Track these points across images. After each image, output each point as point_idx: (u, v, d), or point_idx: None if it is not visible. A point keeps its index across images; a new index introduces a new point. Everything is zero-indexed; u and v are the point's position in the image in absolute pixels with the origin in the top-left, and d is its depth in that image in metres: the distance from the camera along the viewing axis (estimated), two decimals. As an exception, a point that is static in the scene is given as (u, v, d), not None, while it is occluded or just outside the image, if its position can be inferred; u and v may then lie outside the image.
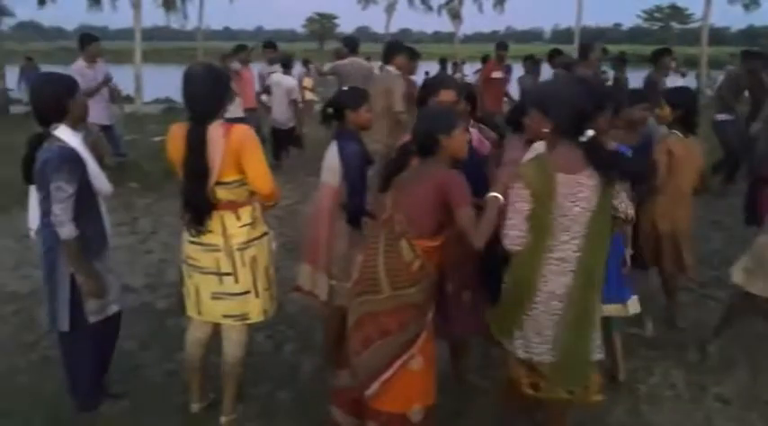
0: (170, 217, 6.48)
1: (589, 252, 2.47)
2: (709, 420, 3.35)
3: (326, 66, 8.23)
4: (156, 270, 5.29)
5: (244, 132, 2.84)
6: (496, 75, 9.56)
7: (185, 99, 2.86)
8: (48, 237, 2.98)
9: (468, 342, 3.53)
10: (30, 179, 2.98)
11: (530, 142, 2.91)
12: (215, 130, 2.78)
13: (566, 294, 2.50)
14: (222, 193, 2.85)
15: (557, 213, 2.41)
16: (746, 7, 31.99)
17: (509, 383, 2.79)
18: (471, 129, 3.37)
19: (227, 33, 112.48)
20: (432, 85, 3.23)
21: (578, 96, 2.47)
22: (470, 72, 17.21)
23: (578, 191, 2.42)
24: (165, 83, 19.99)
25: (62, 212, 2.83)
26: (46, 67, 13.20)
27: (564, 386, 2.62)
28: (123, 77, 9.98)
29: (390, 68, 5.84)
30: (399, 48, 6.08)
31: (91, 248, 3.01)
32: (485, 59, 12.69)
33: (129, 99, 12.69)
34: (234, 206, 2.90)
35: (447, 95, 3.13)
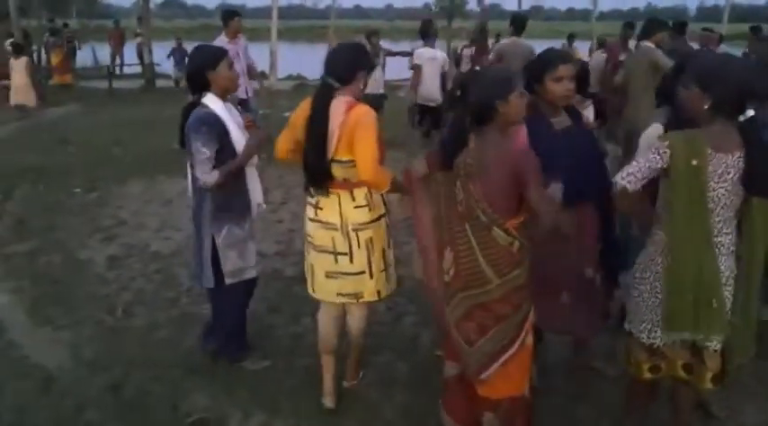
0: (299, 189, 6.71)
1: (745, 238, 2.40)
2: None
3: (491, 56, 7.96)
4: (287, 238, 5.53)
5: (365, 112, 2.82)
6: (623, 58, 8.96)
7: (324, 65, 2.91)
8: (195, 198, 3.23)
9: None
10: (184, 144, 3.19)
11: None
12: (339, 104, 2.82)
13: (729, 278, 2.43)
14: (338, 171, 2.87)
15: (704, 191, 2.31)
16: None
17: (635, 370, 2.69)
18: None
19: (357, 11, 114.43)
20: (549, 60, 3.06)
21: (744, 74, 2.34)
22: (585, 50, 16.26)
23: (726, 172, 2.30)
24: (297, 60, 20.72)
25: (202, 174, 3.04)
26: (189, 44, 14.03)
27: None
28: (259, 54, 10.38)
29: (648, 44, 5.79)
30: (661, 25, 6.05)
31: (233, 212, 3.22)
32: (602, 44, 12.03)
33: (264, 75, 13.19)
34: (349, 186, 2.92)
35: (566, 71, 2.98)
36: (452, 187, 2.56)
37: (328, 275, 3.02)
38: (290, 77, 19.12)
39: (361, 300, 3.05)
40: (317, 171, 2.88)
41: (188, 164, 3.25)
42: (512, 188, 2.42)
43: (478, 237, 2.49)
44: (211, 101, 3.14)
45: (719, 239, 2.39)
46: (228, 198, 3.19)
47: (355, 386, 3.29)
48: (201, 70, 3.14)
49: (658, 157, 2.36)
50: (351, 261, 2.96)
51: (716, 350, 2.51)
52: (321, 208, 2.96)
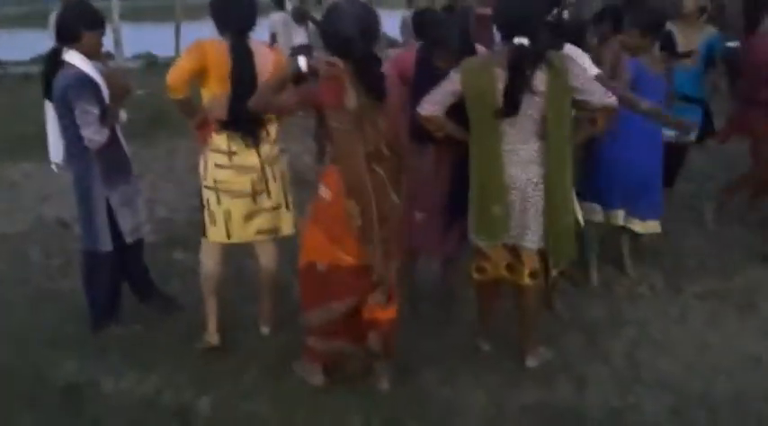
0: (156, 162, 6.62)
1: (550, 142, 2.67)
2: (684, 314, 3.53)
3: None
4: (146, 208, 5.35)
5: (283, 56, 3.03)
6: None
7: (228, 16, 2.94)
8: (76, 166, 3.17)
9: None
10: (49, 94, 3.11)
11: None
12: (263, 51, 2.98)
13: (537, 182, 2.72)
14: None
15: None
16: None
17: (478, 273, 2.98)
18: None
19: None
20: None
21: None
22: None
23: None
24: (144, 39, 19.73)
25: (93, 133, 3.00)
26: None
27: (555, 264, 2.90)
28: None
29: None
30: None
31: (121, 170, 3.25)
32: None
33: (109, 55, 12.49)
34: (267, 123, 3.03)
35: None
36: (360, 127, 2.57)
37: (247, 217, 3.08)
38: (138, 57, 18.26)
39: (280, 234, 3.19)
40: (252, 118, 2.88)
41: (55, 134, 3.21)
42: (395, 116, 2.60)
43: (386, 170, 2.61)
44: (78, 60, 3.06)
45: (514, 148, 2.68)
46: (114, 156, 3.21)
47: (274, 331, 3.35)
48: (79, 24, 3.07)
49: (451, 83, 2.68)
50: (269, 196, 3.08)
51: (532, 251, 2.81)
52: (236, 153, 2.99)
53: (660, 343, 3.27)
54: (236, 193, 3.03)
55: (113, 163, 3.20)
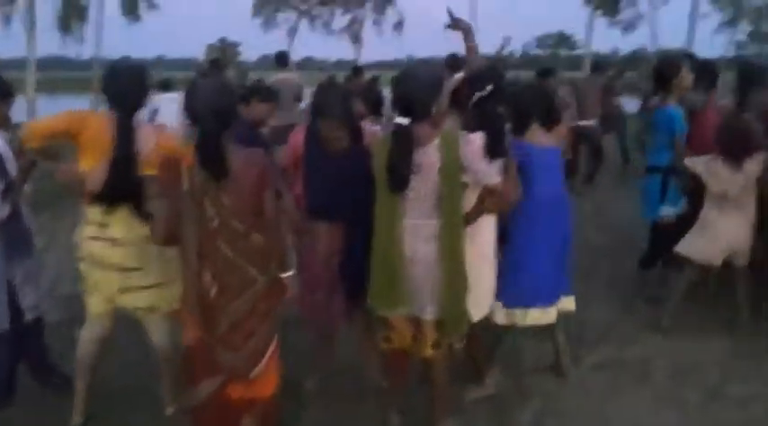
0: (63, 234, 6.38)
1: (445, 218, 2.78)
2: (584, 384, 3.69)
3: None
4: (51, 284, 5.16)
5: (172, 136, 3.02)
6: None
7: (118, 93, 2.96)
8: None
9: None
10: None
11: None
12: (146, 129, 2.99)
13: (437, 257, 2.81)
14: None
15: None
16: (625, 30, 34.47)
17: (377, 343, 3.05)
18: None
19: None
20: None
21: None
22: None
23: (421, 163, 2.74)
24: (58, 111, 19.35)
25: None
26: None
27: (446, 338, 2.94)
28: (16, 107, 9.58)
29: None
30: None
31: (24, 246, 3.15)
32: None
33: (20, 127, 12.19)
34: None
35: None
36: (200, 205, 2.59)
37: (122, 291, 2.98)
38: (51, 129, 17.81)
39: (158, 312, 3.07)
40: (128, 189, 2.85)
41: None
42: (257, 193, 2.61)
43: (237, 247, 2.60)
44: None
45: (416, 223, 2.79)
46: (16, 230, 3.10)
47: (179, 412, 3.18)
48: None
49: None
50: (145, 273, 2.97)
51: (432, 322, 2.88)
52: (107, 225, 2.92)
53: (564, 414, 3.39)
54: (109, 266, 2.95)
55: (15, 238, 3.11)
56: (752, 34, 39.50)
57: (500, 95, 3.14)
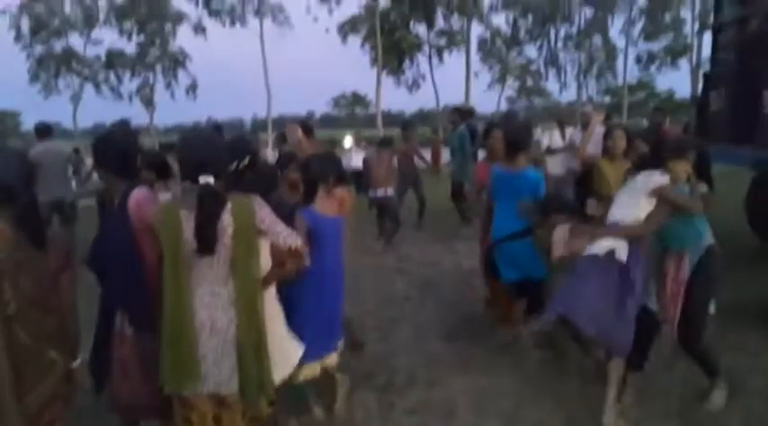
0: None
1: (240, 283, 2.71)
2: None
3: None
4: None
5: None
6: None
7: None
8: None
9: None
10: None
11: None
12: None
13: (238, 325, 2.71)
14: None
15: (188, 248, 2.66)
16: (410, 89, 37.24)
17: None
18: None
19: None
20: None
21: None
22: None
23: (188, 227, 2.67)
24: None
25: None
26: None
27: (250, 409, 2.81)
28: None
29: None
30: None
31: None
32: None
33: None
34: None
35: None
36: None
37: None
38: None
39: None
40: None
41: None
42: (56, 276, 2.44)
43: (39, 330, 2.36)
44: None
45: (211, 290, 2.69)
46: None
47: None
48: None
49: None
50: None
51: (236, 396, 2.74)
52: None
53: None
54: None
55: None
56: (519, 89, 44.56)
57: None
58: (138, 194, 2.96)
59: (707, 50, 9.13)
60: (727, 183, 7.93)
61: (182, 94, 35.79)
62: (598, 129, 5.98)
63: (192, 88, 35.97)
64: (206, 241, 2.62)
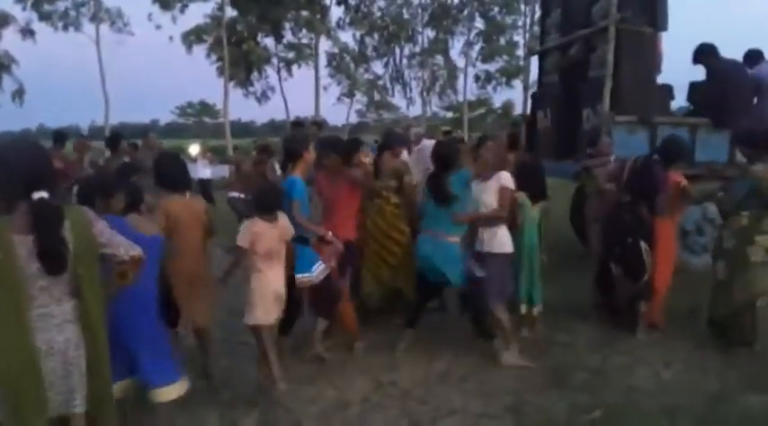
0: None
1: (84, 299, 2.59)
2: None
3: None
4: None
5: None
6: None
7: None
8: None
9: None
10: None
11: None
12: None
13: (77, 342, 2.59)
14: None
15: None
16: (259, 101, 36.81)
17: None
18: None
19: None
20: None
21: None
22: None
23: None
24: None
25: None
26: None
27: None
28: None
29: None
30: None
31: None
32: None
33: None
34: None
35: None
36: None
37: None
38: None
39: None
40: None
41: None
42: None
43: None
44: None
45: (47, 311, 2.50)
46: None
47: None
48: None
49: None
50: None
51: (82, 415, 2.63)
52: None
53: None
54: None
55: None
56: (368, 104, 45.56)
57: None
58: None
59: (535, 73, 9.88)
60: (558, 195, 8.61)
61: (7, 99, 32.49)
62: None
63: (19, 93, 32.97)
64: (55, 260, 2.44)
